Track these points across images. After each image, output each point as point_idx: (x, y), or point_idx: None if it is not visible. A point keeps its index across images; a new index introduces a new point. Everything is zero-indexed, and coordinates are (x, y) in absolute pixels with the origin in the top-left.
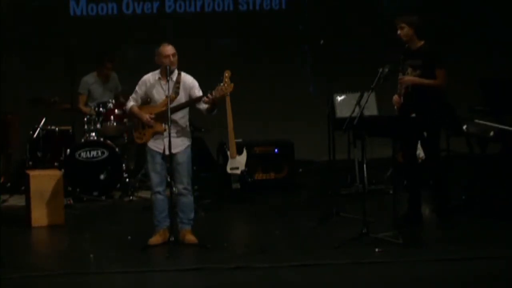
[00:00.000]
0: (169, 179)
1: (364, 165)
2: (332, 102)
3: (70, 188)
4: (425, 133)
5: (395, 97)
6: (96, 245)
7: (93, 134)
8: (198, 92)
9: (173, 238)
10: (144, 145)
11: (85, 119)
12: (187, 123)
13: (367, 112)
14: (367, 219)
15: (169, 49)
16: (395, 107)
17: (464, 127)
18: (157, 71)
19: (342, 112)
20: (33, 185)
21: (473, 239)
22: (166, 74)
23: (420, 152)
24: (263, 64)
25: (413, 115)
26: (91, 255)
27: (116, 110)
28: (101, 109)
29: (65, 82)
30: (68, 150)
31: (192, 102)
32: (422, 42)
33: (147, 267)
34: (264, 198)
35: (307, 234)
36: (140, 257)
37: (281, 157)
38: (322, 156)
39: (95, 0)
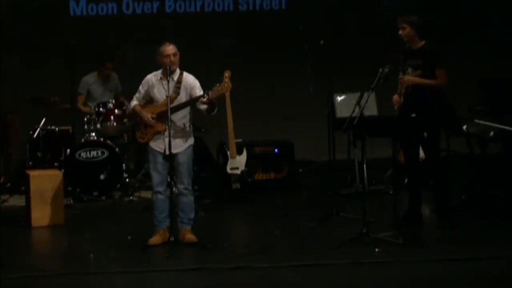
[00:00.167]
0: (169, 179)
1: (364, 165)
2: (332, 102)
3: (70, 188)
4: (425, 133)
5: (395, 97)
6: (96, 245)
7: (93, 134)
8: (199, 92)
9: (173, 238)
10: (144, 145)
11: (85, 119)
12: (189, 123)
13: (367, 112)
14: (367, 219)
15: (169, 49)
16: (395, 107)
17: (464, 127)
18: (159, 71)
19: (342, 112)
20: (33, 185)
21: (473, 239)
22: (166, 74)
23: (420, 152)
24: (263, 64)
25: (413, 115)
26: (91, 255)
27: (116, 110)
28: (101, 109)
29: (65, 82)
30: (68, 150)
31: (191, 102)
32: (423, 42)
33: (147, 267)
34: (264, 198)
35: (307, 234)
36: (140, 257)
37: (281, 157)
38: (322, 156)
39: (95, 0)
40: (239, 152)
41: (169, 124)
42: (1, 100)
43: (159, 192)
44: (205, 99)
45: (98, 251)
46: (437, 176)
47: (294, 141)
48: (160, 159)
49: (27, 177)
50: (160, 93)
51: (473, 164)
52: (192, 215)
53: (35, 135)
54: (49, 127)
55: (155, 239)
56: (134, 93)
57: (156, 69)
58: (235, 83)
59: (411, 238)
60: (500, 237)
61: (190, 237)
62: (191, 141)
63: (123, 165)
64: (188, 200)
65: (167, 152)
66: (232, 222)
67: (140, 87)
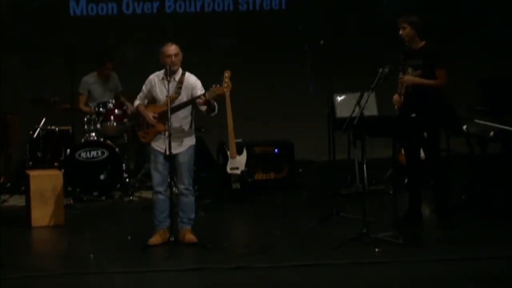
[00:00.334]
0: (169, 180)
1: (364, 165)
2: (332, 102)
3: (70, 188)
4: (425, 133)
5: (396, 97)
6: (96, 245)
7: (93, 134)
8: (199, 93)
9: (173, 238)
10: (145, 145)
11: (85, 119)
12: (191, 124)
13: (367, 112)
14: (367, 219)
15: (171, 49)
16: (396, 106)
17: (464, 127)
18: (162, 71)
19: (342, 112)
20: (33, 185)
21: (473, 239)
22: (167, 74)
23: (420, 152)
24: (263, 64)
25: (413, 115)
26: (91, 255)
27: (116, 110)
28: (101, 109)
29: (65, 82)
30: (68, 150)
31: (190, 102)
32: (423, 42)
33: (147, 267)
34: (264, 198)
35: (307, 234)
36: (140, 257)
37: (281, 157)
38: (322, 156)
39: (95, 0)
40: (239, 152)
41: (169, 124)
42: (1, 100)
43: (160, 192)
44: (201, 100)
45: (98, 251)
46: (437, 176)
47: (294, 141)
48: (161, 159)
49: (27, 177)
50: (161, 93)
51: (473, 164)
52: (193, 215)
53: (35, 135)
54: (49, 127)
55: (155, 239)
56: (134, 93)
57: (156, 69)
58: (235, 83)
59: (411, 238)
60: (500, 237)
61: (190, 237)
62: (192, 141)
63: (123, 165)
64: (188, 200)
65: (167, 152)
66: (232, 222)
67: (143, 87)
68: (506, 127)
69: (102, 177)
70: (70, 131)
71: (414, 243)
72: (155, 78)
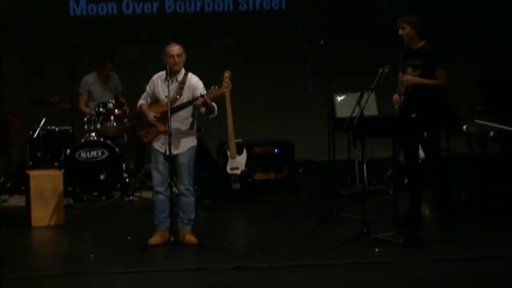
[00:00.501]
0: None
1: (364, 165)
2: (332, 102)
3: (70, 188)
4: (425, 133)
5: (395, 96)
6: (96, 245)
7: (93, 134)
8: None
9: (173, 238)
10: (145, 145)
11: (85, 119)
12: (192, 125)
13: (367, 112)
14: (367, 219)
15: (174, 50)
16: (396, 106)
17: (464, 127)
18: (165, 71)
19: (342, 112)
20: (33, 185)
21: (473, 239)
22: (170, 74)
23: (420, 152)
24: (263, 64)
25: (413, 115)
26: (91, 255)
27: (116, 110)
28: (101, 109)
29: (65, 82)
30: (68, 150)
31: (190, 103)
32: (423, 42)
33: (147, 267)
34: (264, 198)
35: (307, 234)
36: (140, 257)
37: (281, 157)
38: (322, 156)
39: (95, 0)
40: (239, 152)
41: (169, 124)
42: (1, 100)
43: (159, 192)
44: (200, 101)
45: (98, 251)
46: (437, 176)
47: (294, 141)
48: (161, 159)
49: (27, 177)
50: (163, 93)
51: (473, 164)
52: (193, 216)
53: (35, 135)
54: (49, 127)
55: (155, 239)
56: (134, 93)
57: (156, 69)
58: (235, 83)
59: (411, 238)
60: (500, 237)
61: (191, 238)
62: (193, 142)
63: (123, 165)
64: (189, 200)
65: (167, 153)
66: (232, 222)
67: (147, 87)
68: (506, 127)
69: (102, 177)
70: (70, 131)
71: (414, 243)
72: (158, 78)
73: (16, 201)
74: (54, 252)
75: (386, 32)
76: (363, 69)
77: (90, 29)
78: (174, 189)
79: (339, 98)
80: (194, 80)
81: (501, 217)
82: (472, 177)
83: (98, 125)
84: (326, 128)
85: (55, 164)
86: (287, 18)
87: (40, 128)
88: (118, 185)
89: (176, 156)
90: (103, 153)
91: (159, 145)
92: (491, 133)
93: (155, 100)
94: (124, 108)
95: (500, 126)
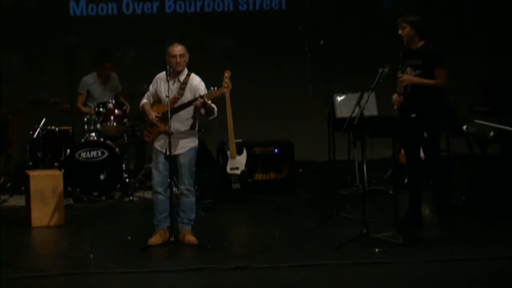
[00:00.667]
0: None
1: (364, 166)
2: (332, 102)
3: (70, 188)
4: (425, 133)
5: (395, 96)
6: (96, 245)
7: (93, 134)
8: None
9: (173, 238)
10: (145, 145)
11: (85, 119)
12: (194, 126)
13: (367, 112)
14: (367, 219)
15: (177, 50)
16: (395, 106)
17: (464, 127)
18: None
19: (342, 112)
20: (33, 185)
21: (473, 239)
22: (172, 74)
23: (420, 152)
24: (263, 64)
25: (413, 115)
26: (91, 255)
27: (116, 110)
28: (101, 109)
29: (65, 82)
30: (68, 150)
31: (190, 103)
32: (423, 42)
33: (147, 267)
34: (264, 198)
35: (307, 234)
36: (140, 257)
37: (281, 157)
38: (322, 156)
39: (95, 0)
40: (239, 152)
41: (169, 124)
42: (1, 100)
43: (159, 192)
44: (199, 102)
45: (98, 251)
46: (437, 176)
47: (294, 141)
48: (162, 159)
49: (27, 177)
50: (165, 93)
51: (473, 164)
52: (193, 216)
53: (35, 135)
54: (49, 127)
55: (155, 239)
56: (134, 93)
57: (156, 69)
58: (235, 83)
59: (411, 238)
60: (500, 237)
61: (191, 238)
62: (194, 143)
63: (123, 165)
64: (189, 200)
65: (168, 153)
66: (232, 222)
67: (150, 86)
68: (506, 127)
69: (102, 177)
70: (70, 131)
71: (414, 243)
72: (161, 77)
73: (16, 201)
74: (54, 252)
75: (386, 32)
76: (363, 69)
77: (90, 29)
78: (174, 189)
79: (339, 98)
80: (196, 81)
81: (501, 217)
82: (472, 177)
83: (98, 125)
84: (326, 128)
85: (55, 164)
86: (287, 18)
87: (40, 128)
88: (118, 185)
89: (177, 156)
90: (103, 153)
91: (159, 145)
92: (491, 133)
93: (157, 100)
94: (124, 108)
95: (500, 126)
